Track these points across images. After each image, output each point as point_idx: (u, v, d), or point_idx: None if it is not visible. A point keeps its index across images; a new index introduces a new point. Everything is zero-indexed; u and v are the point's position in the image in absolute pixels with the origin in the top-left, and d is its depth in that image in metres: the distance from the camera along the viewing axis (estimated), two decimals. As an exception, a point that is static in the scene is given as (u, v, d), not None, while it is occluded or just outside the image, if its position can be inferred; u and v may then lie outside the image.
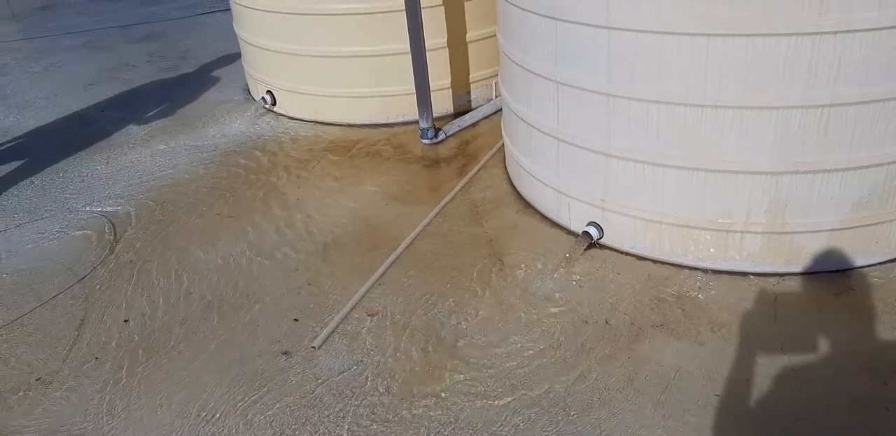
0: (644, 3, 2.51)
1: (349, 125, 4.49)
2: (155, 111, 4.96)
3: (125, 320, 2.91)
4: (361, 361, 2.59)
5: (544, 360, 2.53)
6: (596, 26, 2.66)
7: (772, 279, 2.84)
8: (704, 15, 2.43)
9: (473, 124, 4.39)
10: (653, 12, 2.50)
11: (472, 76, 4.50)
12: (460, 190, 3.68)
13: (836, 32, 2.35)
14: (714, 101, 2.57)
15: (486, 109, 4.50)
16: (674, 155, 2.74)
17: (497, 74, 3.99)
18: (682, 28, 2.49)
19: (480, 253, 3.17)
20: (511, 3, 3.06)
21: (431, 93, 4.09)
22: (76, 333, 2.86)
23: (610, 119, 2.81)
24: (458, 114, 4.48)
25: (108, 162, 4.28)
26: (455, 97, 4.51)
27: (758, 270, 2.87)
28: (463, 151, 4.11)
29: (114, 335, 2.83)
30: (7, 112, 5.10)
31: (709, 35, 2.46)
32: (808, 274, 2.84)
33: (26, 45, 6.74)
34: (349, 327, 2.77)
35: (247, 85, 5.14)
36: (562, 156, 3.11)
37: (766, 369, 2.42)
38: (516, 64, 3.18)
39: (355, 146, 4.24)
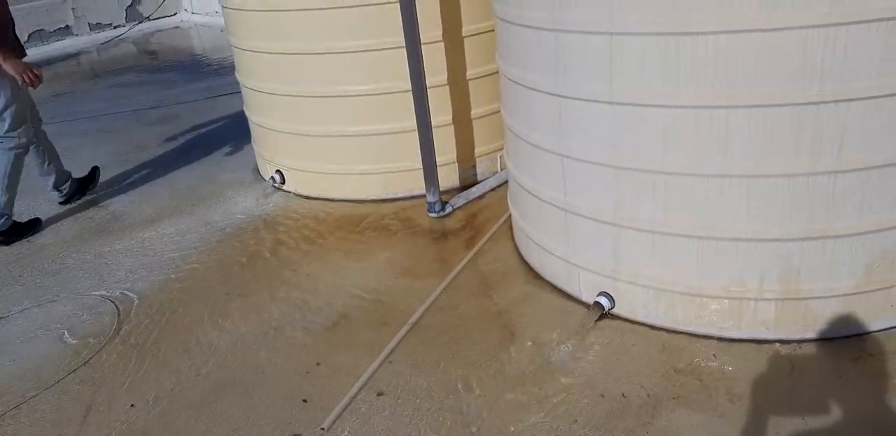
0: (647, 79, 2.55)
1: (357, 201, 4.53)
2: (166, 192, 5.03)
3: (132, 405, 2.86)
4: (373, 441, 2.53)
5: (561, 436, 2.46)
6: (600, 102, 2.70)
7: (788, 346, 2.78)
8: (706, 88, 2.47)
9: (480, 197, 4.43)
10: (655, 87, 2.55)
11: (478, 151, 4.57)
12: (469, 262, 3.67)
13: (837, 101, 2.38)
14: (720, 171, 2.59)
15: (491, 182, 4.54)
16: (683, 224, 2.74)
17: (502, 148, 4.05)
18: (684, 101, 2.53)
19: (491, 326, 3.13)
20: (514, 82, 3.13)
21: (438, 167, 4.15)
22: (82, 418, 2.81)
23: (617, 190, 2.83)
24: (464, 187, 4.52)
25: (117, 244, 4.30)
26: (461, 171, 4.56)
27: (773, 337, 2.82)
28: (470, 223, 4.13)
29: (120, 420, 2.78)
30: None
31: (712, 107, 2.49)
32: (825, 340, 2.79)
33: (42, 131, 6.89)
34: (359, 407, 2.71)
35: (257, 165, 5.22)
36: (570, 227, 3.11)
37: (790, 441, 2.34)
38: (522, 139, 3.22)
39: (363, 221, 4.27)
